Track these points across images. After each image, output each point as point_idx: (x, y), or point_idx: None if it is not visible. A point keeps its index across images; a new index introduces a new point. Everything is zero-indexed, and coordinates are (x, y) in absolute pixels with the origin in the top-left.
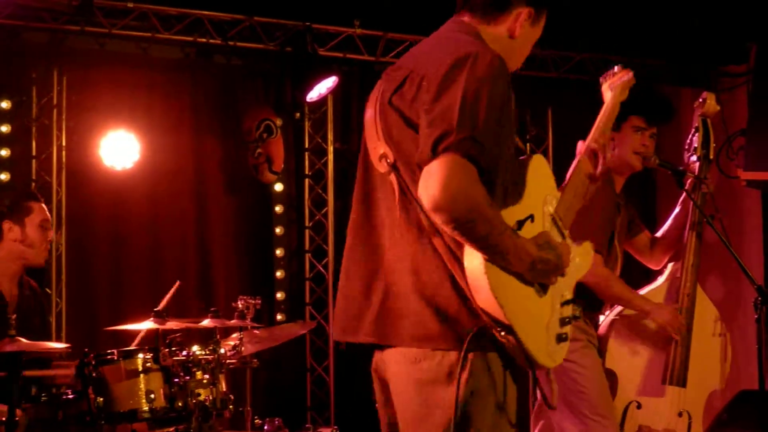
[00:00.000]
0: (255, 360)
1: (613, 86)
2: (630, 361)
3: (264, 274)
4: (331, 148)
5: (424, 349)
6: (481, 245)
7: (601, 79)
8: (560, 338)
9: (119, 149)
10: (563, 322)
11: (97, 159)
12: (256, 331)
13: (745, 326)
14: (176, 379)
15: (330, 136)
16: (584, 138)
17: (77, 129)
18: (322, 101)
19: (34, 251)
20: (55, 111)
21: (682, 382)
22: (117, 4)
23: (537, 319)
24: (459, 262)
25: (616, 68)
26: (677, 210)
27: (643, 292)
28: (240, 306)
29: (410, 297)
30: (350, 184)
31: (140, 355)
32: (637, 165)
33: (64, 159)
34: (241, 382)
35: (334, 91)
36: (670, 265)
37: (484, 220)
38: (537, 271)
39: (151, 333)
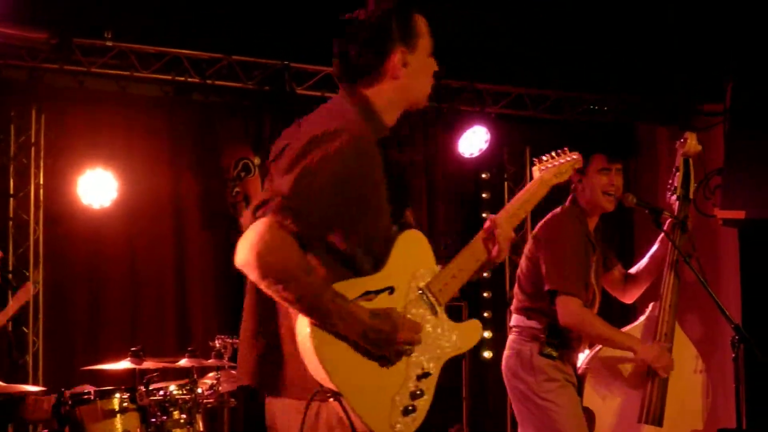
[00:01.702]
0: (232, 399)
1: (546, 169)
2: (607, 399)
3: (241, 314)
4: None
5: (303, 400)
6: (296, 307)
7: (536, 161)
8: (407, 411)
9: (97, 187)
10: (414, 395)
11: (75, 197)
12: (233, 371)
13: (723, 365)
14: (153, 419)
15: None
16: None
17: (55, 167)
18: None
19: None
20: (33, 149)
21: (658, 421)
22: (95, 42)
23: (380, 389)
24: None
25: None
26: (655, 248)
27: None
28: (217, 345)
29: (286, 347)
30: None
31: (117, 395)
32: (609, 206)
33: (41, 197)
34: (218, 422)
35: None
36: (651, 305)
37: (296, 284)
38: (369, 339)
39: (128, 372)
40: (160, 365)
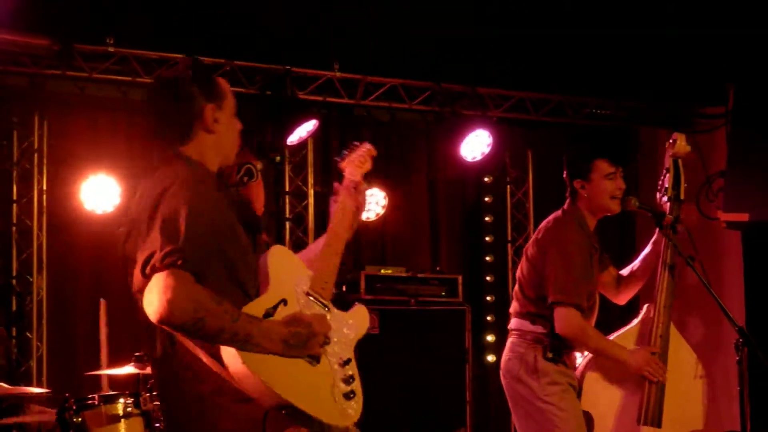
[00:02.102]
0: None
1: (351, 162)
2: (605, 401)
3: None
4: (311, 191)
5: None
6: (220, 339)
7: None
8: (348, 396)
9: (100, 193)
10: (347, 381)
11: (78, 203)
12: None
13: (727, 368)
14: (157, 424)
15: (310, 180)
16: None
17: (58, 173)
18: (302, 144)
19: None
20: (36, 155)
21: (657, 422)
22: (97, 48)
23: (317, 386)
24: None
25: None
26: (648, 250)
27: (616, 334)
28: None
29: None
30: None
31: (121, 400)
32: (616, 208)
33: (45, 203)
34: None
35: (315, 135)
36: (645, 306)
37: (212, 316)
38: (292, 346)
39: (131, 377)
40: None
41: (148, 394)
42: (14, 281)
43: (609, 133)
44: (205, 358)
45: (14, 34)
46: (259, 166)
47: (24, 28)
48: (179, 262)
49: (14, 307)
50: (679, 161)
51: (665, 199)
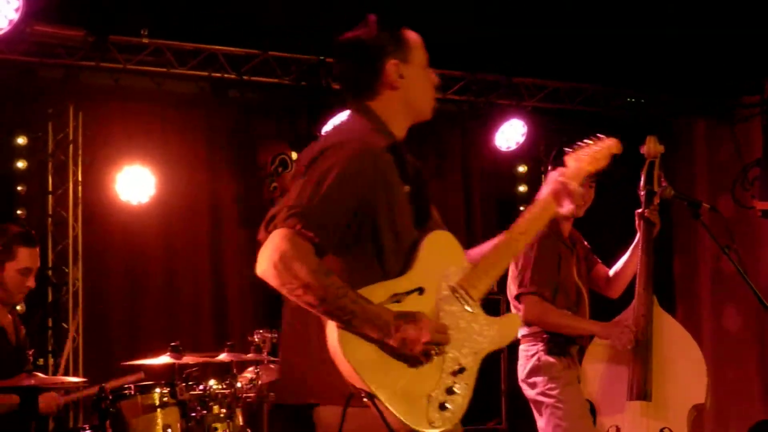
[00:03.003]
0: (272, 394)
1: (579, 158)
2: (603, 386)
3: (280, 308)
4: None
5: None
6: (320, 310)
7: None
8: (443, 407)
9: (135, 184)
10: (451, 391)
11: (113, 194)
12: (272, 365)
13: (764, 356)
14: (193, 414)
15: None
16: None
17: (93, 164)
18: None
19: (6, 293)
20: (71, 146)
21: (644, 396)
22: (132, 39)
23: (414, 387)
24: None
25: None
26: (635, 242)
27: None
28: (256, 340)
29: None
30: None
31: (157, 390)
32: (579, 213)
33: (80, 194)
34: (258, 416)
35: None
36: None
37: (315, 286)
38: (396, 338)
39: (167, 367)
40: (200, 360)
41: (184, 384)
42: (50, 272)
43: (643, 124)
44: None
45: (49, 26)
46: (294, 156)
47: (59, 20)
48: (299, 227)
49: (50, 298)
50: (655, 161)
51: (642, 193)
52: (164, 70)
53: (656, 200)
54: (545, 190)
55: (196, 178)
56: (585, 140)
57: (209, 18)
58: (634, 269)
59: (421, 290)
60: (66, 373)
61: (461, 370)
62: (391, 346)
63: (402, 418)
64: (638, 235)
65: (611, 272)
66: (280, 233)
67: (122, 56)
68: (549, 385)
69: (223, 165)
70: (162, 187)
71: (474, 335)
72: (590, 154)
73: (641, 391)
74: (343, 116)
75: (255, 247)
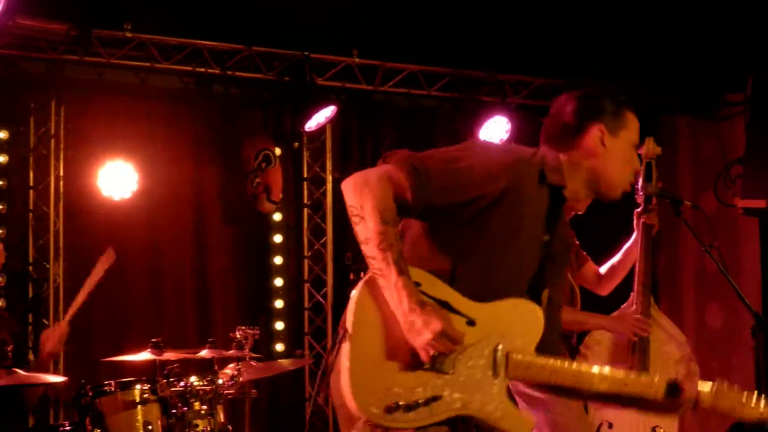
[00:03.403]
0: (254, 390)
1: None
2: None
3: (263, 304)
4: (330, 178)
5: None
6: (362, 246)
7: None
8: (391, 408)
9: (117, 179)
10: (411, 406)
11: (95, 189)
12: (254, 362)
13: (744, 354)
14: (174, 410)
15: (329, 166)
16: None
17: (75, 159)
18: (320, 131)
19: None
20: (52, 141)
21: None
22: (115, 33)
23: (384, 366)
24: None
25: None
26: (630, 242)
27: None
28: (238, 336)
29: None
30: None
31: (137, 387)
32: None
33: (61, 189)
34: (239, 413)
35: (333, 121)
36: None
37: (371, 224)
38: (404, 321)
39: (148, 364)
40: (181, 356)
41: (164, 381)
42: (31, 268)
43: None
44: None
45: (32, 19)
46: (277, 152)
47: (42, 14)
48: (401, 175)
49: (31, 294)
50: (652, 162)
51: (641, 194)
52: (148, 64)
53: (654, 201)
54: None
55: (179, 173)
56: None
57: (193, 12)
58: (627, 268)
59: (473, 323)
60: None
61: (436, 398)
62: (400, 325)
63: (348, 382)
64: (635, 234)
65: (603, 269)
66: (383, 168)
67: (106, 50)
68: None
69: (207, 160)
70: (145, 182)
71: (477, 394)
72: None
73: None
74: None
75: (238, 242)
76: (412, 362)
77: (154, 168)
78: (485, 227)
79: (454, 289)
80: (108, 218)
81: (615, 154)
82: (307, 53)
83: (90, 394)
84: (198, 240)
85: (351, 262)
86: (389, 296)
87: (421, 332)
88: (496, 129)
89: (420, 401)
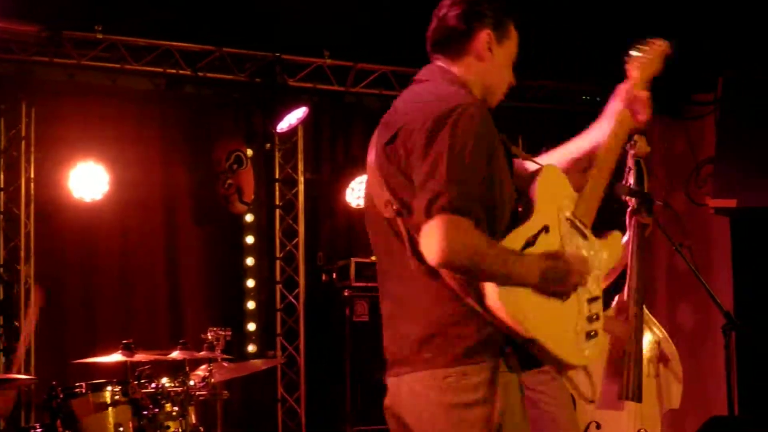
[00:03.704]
0: (225, 391)
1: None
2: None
3: (235, 306)
4: (301, 179)
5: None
6: (491, 281)
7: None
8: (589, 335)
9: (88, 181)
10: (590, 319)
11: (67, 191)
12: (225, 363)
13: (715, 352)
14: (145, 412)
15: (300, 167)
16: None
17: (46, 161)
18: (292, 131)
19: None
20: (23, 143)
21: (638, 398)
22: (86, 35)
23: (563, 323)
24: (473, 291)
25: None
26: (624, 240)
27: None
28: (210, 337)
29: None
30: (321, 215)
31: (109, 388)
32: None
33: (32, 191)
34: (211, 414)
35: (305, 122)
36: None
37: (488, 263)
38: (548, 280)
39: (119, 365)
40: (152, 358)
41: (136, 382)
42: (1, 270)
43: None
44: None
45: (2, 21)
46: (248, 153)
47: (12, 15)
48: (462, 207)
49: (2, 296)
50: (641, 161)
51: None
52: (119, 66)
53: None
54: (615, 105)
55: (150, 174)
56: (638, 45)
57: (164, 14)
58: (619, 268)
59: (546, 229)
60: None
61: (595, 299)
62: (546, 288)
63: (559, 355)
64: (627, 234)
65: None
66: (446, 219)
67: (76, 52)
68: (536, 378)
69: (178, 161)
70: (116, 184)
71: (594, 262)
72: (650, 59)
73: (635, 392)
74: (425, 73)
75: (210, 243)
76: (567, 301)
77: (125, 169)
78: (497, 177)
79: (514, 230)
80: (79, 220)
81: (499, 62)
82: (278, 54)
83: (61, 395)
84: (169, 241)
85: (323, 263)
86: (526, 277)
87: (567, 272)
88: None
89: (591, 313)
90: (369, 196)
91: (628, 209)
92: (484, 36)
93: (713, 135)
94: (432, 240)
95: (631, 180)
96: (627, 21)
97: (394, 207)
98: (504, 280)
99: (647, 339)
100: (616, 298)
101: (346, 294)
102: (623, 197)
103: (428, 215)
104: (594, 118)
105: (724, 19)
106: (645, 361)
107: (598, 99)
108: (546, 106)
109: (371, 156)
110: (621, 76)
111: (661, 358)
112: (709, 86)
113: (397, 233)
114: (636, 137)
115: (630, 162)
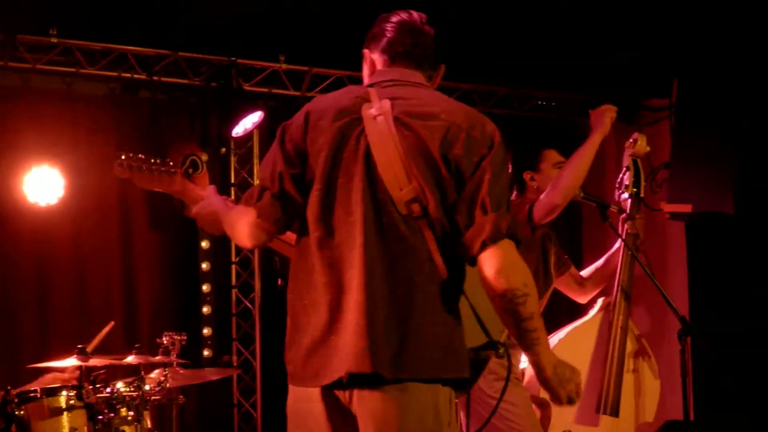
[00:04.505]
0: (181, 396)
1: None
2: None
3: (190, 310)
4: (257, 183)
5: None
6: (524, 322)
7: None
8: None
9: (43, 185)
10: None
11: (21, 195)
12: (181, 369)
13: (670, 357)
14: (100, 417)
15: (256, 171)
16: None
17: (0, 165)
18: (247, 136)
19: None
20: None
21: (615, 412)
22: (41, 39)
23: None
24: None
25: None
26: (613, 250)
27: (576, 324)
28: (165, 342)
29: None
30: None
31: (63, 393)
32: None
33: None
34: (167, 419)
35: (260, 126)
36: (600, 300)
37: (533, 297)
38: (557, 375)
39: (74, 370)
40: (107, 362)
41: (91, 387)
42: None
43: (554, 125)
44: None
45: None
46: (204, 157)
47: None
48: (515, 234)
49: None
50: (639, 160)
51: (625, 195)
52: (74, 70)
53: (642, 207)
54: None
55: (105, 178)
56: None
57: (119, 18)
58: (608, 276)
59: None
60: None
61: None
62: (551, 383)
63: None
64: (619, 241)
65: (585, 272)
66: (506, 246)
67: (31, 56)
68: (495, 385)
69: None
70: (71, 188)
71: None
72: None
73: (613, 407)
74: (425, 93)
75: (165, 247)
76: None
77: (81, 173)
78: None
79: None
80: (34, 224)
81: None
82: (233, 59)
83: (16, 400)
84: (124, 245)
85: (279, 267)
86: (544, 357)
87: (570, 381)
88: None
89: None
90: (365, 187)
91: (621, 216)
92: (443, 69)
93: (668, 140)
94: (500, 260)
95: (627, 179)
96: (579, 25)
97: (423, 204)
98: (531, 331)
99: (631, 334)
100: (600, 301)
101: None
102: (578, 201)
103: (498, 238)
104: (544, 123)
105: (677, 22)
106: (626, 357)
107: (552, 104)
108: (499, 112)
109: (386, 151)
110: (572, 81)
111: (641, 352)
112: (663, 91)
113: (412, 230)
114: (637, 135)
115: (627, 161)
